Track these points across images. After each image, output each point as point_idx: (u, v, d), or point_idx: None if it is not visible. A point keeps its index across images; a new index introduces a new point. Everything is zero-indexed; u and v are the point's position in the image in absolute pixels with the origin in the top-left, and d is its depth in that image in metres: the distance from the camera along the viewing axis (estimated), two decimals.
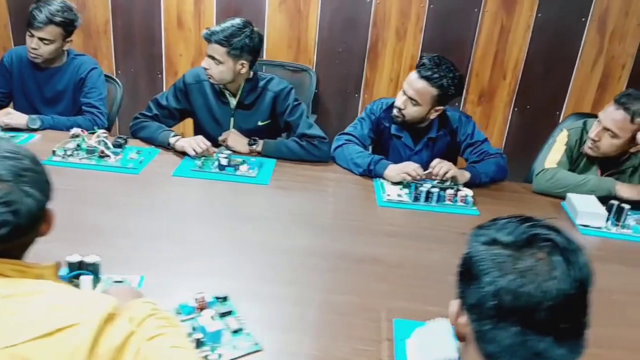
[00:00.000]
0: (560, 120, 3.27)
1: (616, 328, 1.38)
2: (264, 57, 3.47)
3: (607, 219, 1.89)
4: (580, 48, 3.35)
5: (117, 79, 2.65)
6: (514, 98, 3.48)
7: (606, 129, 1.97)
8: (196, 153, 2.08)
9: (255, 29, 2.15)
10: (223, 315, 1.26)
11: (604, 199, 1.93)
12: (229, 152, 2.09)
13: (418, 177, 2.01)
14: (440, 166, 2.02)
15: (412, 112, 2.09)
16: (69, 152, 2.01)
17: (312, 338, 1.23)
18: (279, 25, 3.40)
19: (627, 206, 1.88)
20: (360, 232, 1.73)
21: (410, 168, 2.02)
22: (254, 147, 2.21)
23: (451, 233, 1.80)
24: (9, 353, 0.78)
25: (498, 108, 3.53)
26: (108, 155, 2.02)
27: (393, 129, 2.22)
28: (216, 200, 1.87)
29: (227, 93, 2.25)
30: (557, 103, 3.48)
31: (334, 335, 1.23)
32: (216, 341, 1.18)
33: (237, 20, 2.11)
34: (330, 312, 1.32)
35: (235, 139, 2.22)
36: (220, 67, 2.10)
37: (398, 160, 2.18)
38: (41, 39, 2.26)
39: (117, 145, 2.07)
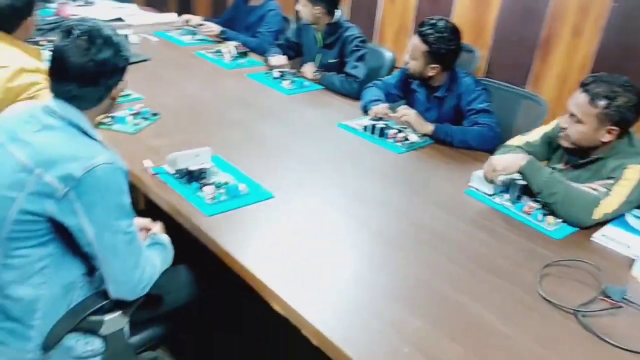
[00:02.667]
0: None
1: None
2: None
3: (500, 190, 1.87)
4: None
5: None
6: None
7: (572, 115, 1.85)
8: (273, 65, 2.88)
9: None
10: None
11: None
12: (289, 72, 2.83)
13: (378, 115, 2.33)
14: (401, 111, 2.28)
15: (412, 65, 2.36)
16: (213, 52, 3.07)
17: None
18: (466, 6, 3.70)
19: (522, 182, 1.81)
20: (313, 138, 2.25)
21: (378, 107, 2.35)
22: (316, 75, 2.86)
23: (360, 158, 2.12)
24: None
25: None
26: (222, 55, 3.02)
27: (414, 84, 2.50)
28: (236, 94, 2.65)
29: (316, 34, 2.94)
30: None
31: None
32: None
33: None
34: None
35: (307, 70, 2.91)
36: (304, 9, 2.82)
37: None
38: None
39: (241, 54, 3.05)
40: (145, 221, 1.69)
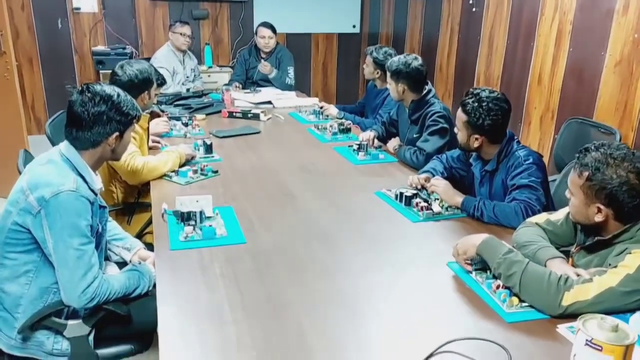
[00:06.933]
0: None
1: None
2: (591, 117, 3.42)
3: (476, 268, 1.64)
4: None
5: None
6: None
7: (569, 189, 1.59)
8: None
9: (415, 63, 2.81)
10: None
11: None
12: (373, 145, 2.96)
13: (413, 185, 2.25)
14: (432, 181, 2.18)
15: (459, 136, 2.25)
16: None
17: None
18: (610, 86, 3.32)
19: None
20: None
21: (414, 177, 2.28)
22: (396, 148, 2.90)
23: (367, 222, 2.10)
24: None
25: None
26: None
27: (472, 157, 2.36)
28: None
29: (406, 109, 3.00)
30: None
31: None
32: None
33: (405, 55, 2.85)
34: None
35: (390, 143, 2.98)
36: (390, 87, 2.93)
37: (472, 186, 2.36)
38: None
39: (343, 131, 3.27)
40: (146, 254, 1.97)
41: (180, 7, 5.66)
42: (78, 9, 5.38)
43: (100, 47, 5.45)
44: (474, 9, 4.54)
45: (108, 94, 1.76)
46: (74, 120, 1.73)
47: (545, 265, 1.54)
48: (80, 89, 1.76)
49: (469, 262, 1.63)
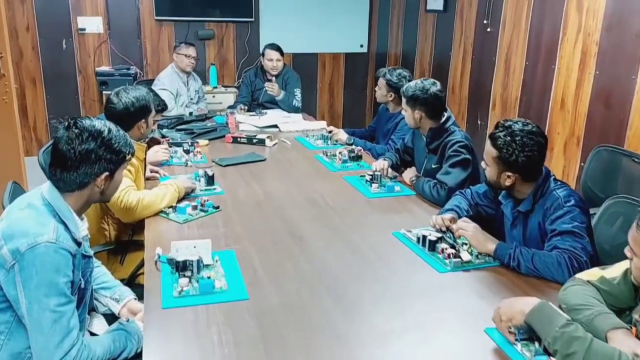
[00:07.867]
0: None
1: None
2: (622, 145, 3.19)
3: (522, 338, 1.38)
4: None
5: None
6: None
7: (631, 249, 1.35)
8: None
9: (433, 89, 2.59)
10: None
11: None
12: (387, 176, 2.72)
13: (437, 227, 2.00)
14: (459, 224, 1.93)
15: (487, 173, 2.01)
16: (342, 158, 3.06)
17: None
18: None
19: None
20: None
21: (438, 218, 2.03)
22: (412, 180, 2.67)
23: (382, 271, 1.85)
24: None
25: None
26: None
27: (501, 195, 2.12)
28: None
29: (423, 137, 2.77)
30: None
31: None
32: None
33: (422, 80, 2.63)
34: None
35: (406, 174, 2.74)
36: (406, 114, 2.71)
37: (502, 226, 2.12)
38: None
39: (353, 158, 3.03)
40: (137, 306, 1.74)
41: (186, 28, 5.51)
42: (83, 29, 5.24)
43: (104, 68, 5.28)
44: (488, 29, 4.34)
45: (98, 129, 1.54)
46: (58, 159, 1.52)
47: (605, 338, 1.29)
48: (66, 124, 1.54)
49: (512, 330, 1.38)
